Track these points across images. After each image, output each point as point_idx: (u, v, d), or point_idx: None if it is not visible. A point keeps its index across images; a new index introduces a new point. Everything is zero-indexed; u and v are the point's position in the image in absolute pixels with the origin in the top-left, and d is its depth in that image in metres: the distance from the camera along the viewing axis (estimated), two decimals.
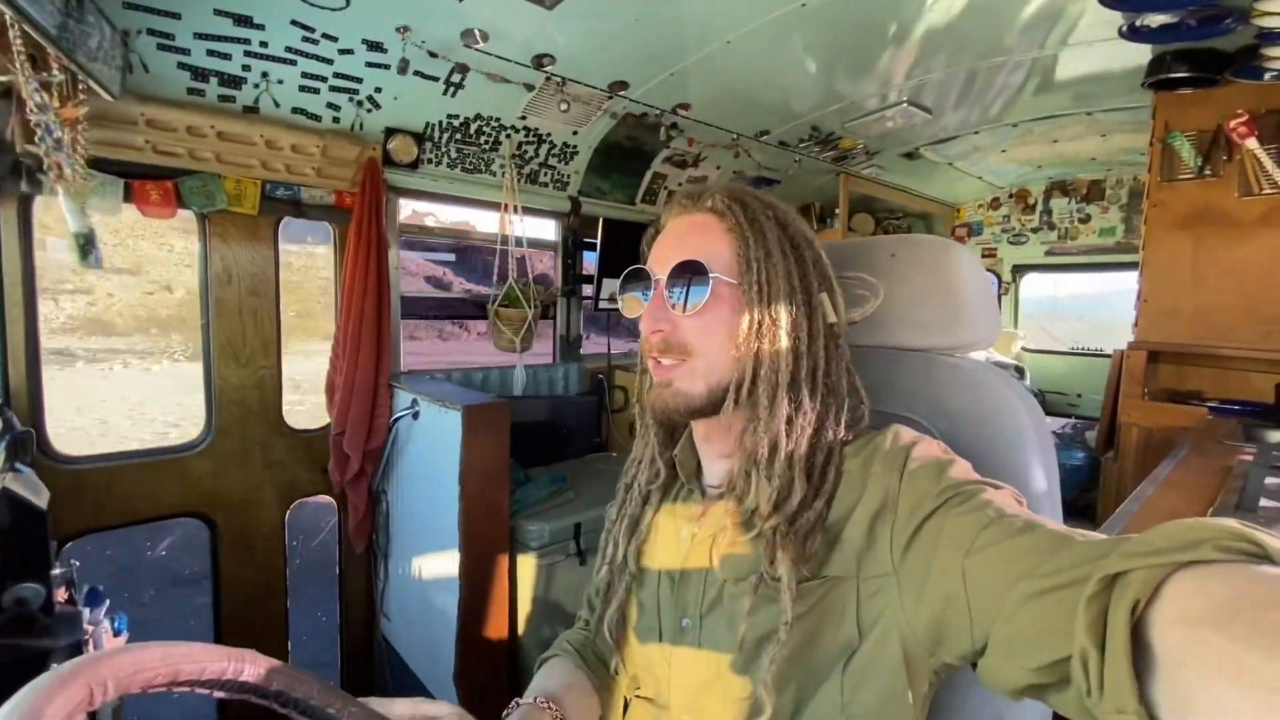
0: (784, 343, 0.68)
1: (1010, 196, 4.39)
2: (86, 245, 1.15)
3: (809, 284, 0.71)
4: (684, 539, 0.75)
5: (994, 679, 0.50)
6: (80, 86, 1.07)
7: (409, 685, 2.10)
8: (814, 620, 0.63)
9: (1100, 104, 2.69)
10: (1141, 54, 2.10)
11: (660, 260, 0.72)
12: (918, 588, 0.57)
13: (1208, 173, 2.15)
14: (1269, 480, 1.00)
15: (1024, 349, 4.46)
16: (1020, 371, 4.11)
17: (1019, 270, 4.48)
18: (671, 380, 0.71)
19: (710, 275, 0.68)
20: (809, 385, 0.68)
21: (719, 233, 0.71)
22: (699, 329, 0.70)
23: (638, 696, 0.81)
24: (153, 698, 0.51)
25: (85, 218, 1.12)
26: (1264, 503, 0.95)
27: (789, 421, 0.66)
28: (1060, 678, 0.42)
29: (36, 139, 0.97)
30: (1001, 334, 4.42)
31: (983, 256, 4.56)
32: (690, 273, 0.69)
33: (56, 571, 1.43)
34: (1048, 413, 4.34)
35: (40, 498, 1.41)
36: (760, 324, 0.68)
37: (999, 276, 4.56)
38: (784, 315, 0.69)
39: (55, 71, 0.98)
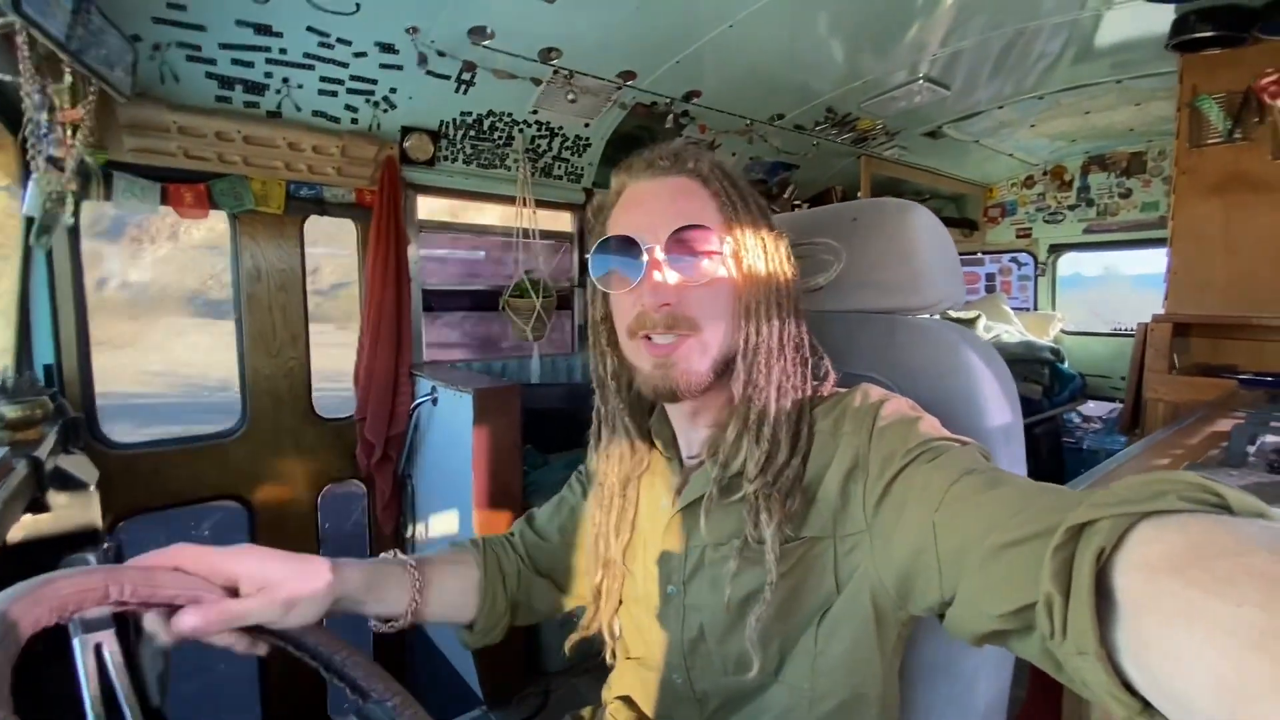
0: (772, 309, 0.68)
1: (1045, 174, 4.24)
2: (41, 231, 1.25)
3: (778, 249, 0.71)
4: (664, 508, 0.76)
5: (959, 627, 0.51)
6: (91, 89, 1.17)
7: (436, 663, 2.19)
8: (795, 579, 0.65)
9: (1129, 71, 2.58)
10: (1166, 15, 2.02)
11: (648, 227, 0.67)
12: (888, 543, 0.59)
13: (1238, 136, 2.04)
14: (1265, 438, 0.96)
15: (1062, 331, 4.30)
16: (1056, 354, 3.96)
17: (1056, 250, 4.32)
18: (675, 360, 0.67)
19: (723, 239, 0.67)
20: (789, 347, 0.68)
21: (705, 197, 0.69)
22: (704, 300, 0.67)
23: (627, 659, 0.85)
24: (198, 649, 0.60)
25: (48, 207, 1.21)
26: (1252, 458, 0.92)
27: (779, 386, 0.67)
28: (1024, 624, 0.43)
29: (27, 132, 1.06)
30: (1037, 316, 4.28)
31: (1017, 237, 4.42)
32: (693, 239, 0.66)
33: (108, 546, 1.56)
34: (1089, 397, 4.18)
35: (89, 478, 1.54)
36: (753, 291, 0.68)
37: (1034, 257, 4.41)
38: (769, 281, 0.68)
39: (66, 75, 1.08)
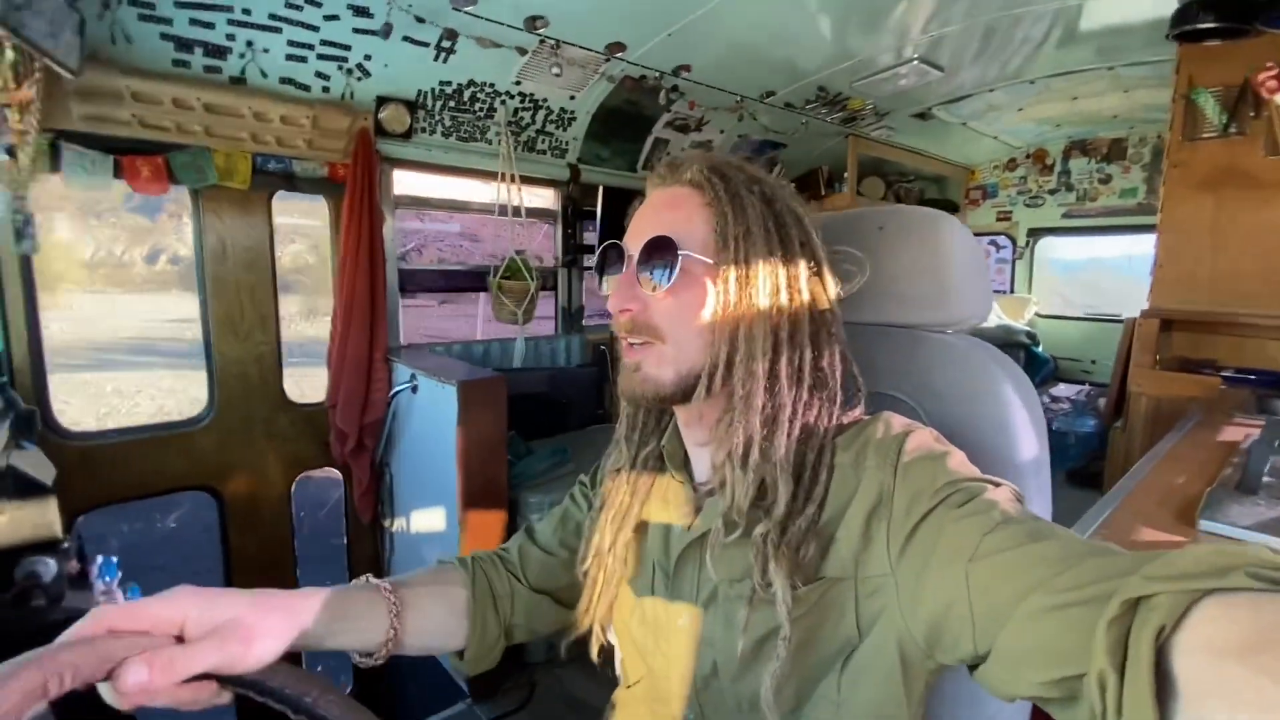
0: (762, 329, 0.63)
1: (1027, 157, 4.25)
2: (19, 231, 1.14)
3: (794, 266, 0.66)
4: (676, 534, 0.72)
5: (995, 686, 0.49)
6: (36, 65, 1.04)
7: (417, 656, 2.15)
8: (812, 622, 0.61)
9: (1123, 58, 2.56)
10: (1167, 3, 1.99)
11: (634, 236, 0.68)
12: (915, 589, 0.55)
13: (1233, 130, 2.04)
14: (1275, 458, 0.96)
15: (1037, 315, 4.37)
16: (1031, 338, 4.03)
17: (1035, 234, 4.36)
18: (640, 364, 0.67)
19: (680, 253, 0.64)
20: (791, 377, 0.63)
21: (696, 207, 0.66)
22: (669, 311, 0.66)
23: (628, 688, 0.81)
24: None
25: (18, 201, 1.10)
26: (1267, 479, 0.91)
27: (764, 414, 0.62)
28: (1067, 694, 0.41)
29: None
30: (1013, 300, 4.34)
31: (997, 220, 4.45)
32: (660, 250, 0.65)
33: (66, 545, 1.47)
34: (1060, 379, 4.27)
35: (45, 474, 1.44)
36: (737, 308, 0.63)
37: (1013, 240, 4.44)
38: (764, 299, 0.64)
39: (7, 51, 0.95)
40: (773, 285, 0.64)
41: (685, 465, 0.75)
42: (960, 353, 0.78)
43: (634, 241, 0.68)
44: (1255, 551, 0.35)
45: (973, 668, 0.51)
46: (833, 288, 0.69)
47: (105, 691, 0.47)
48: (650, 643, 0.75)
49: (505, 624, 0.79)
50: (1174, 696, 0.33)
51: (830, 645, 0.62)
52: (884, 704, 0.61)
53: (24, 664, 0.40)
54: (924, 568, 0.54)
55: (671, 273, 0.64)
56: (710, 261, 0.65)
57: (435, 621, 0.74)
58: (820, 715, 0.63)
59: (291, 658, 0.55)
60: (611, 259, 0.71)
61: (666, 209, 0.68)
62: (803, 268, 0.66)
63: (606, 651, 0.80)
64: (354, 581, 0.70)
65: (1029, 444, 0.73)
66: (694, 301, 0.65)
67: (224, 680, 0.50)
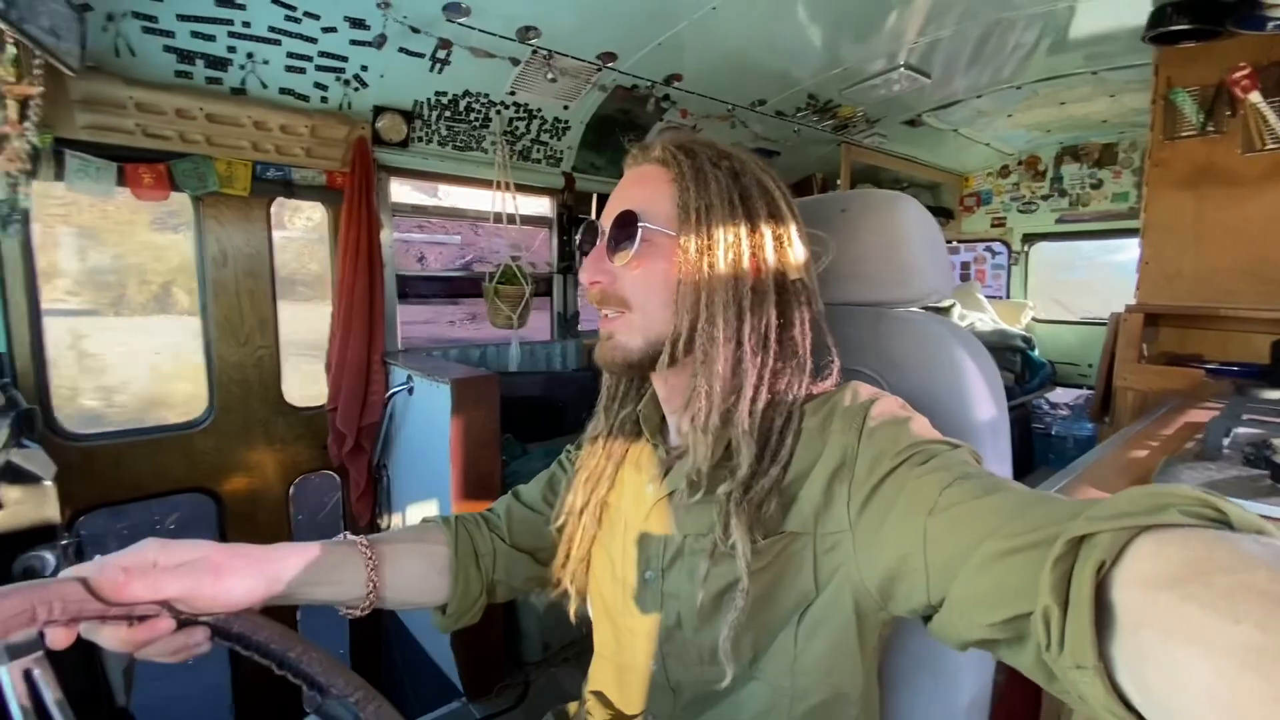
0: (724, 297, 0.66)
1: (1020, 164, 4.29)
2: (6, 220, 1.18)
3: (759, 237, 0.68)
4: (648, 494, 0.75)
5: (947, 633, 0.51)
6: (37, 63, 1.09)
7: (412, 654, 2.16)
8: (771, 576, 0.63)
9: (1105, 63, 2.61)
10: (1142, 7, 2.03)
11: (606, 213, 0.73)
12: (872, 544, 0.57)
13: (1210, 129, 2.08)
14: (1238, 430, 0.98)
15: (1034, 319, 4.39)
16: (1028, 342, 4.04)
17: (1029, 239, 4.39)
18: (612, 333, 0.72)
19: (641, 225, 0.67)
20: (757, 344, 0.66)
21: (662, 183, 0.70)
22: (634, 281, 0.70)
23: (601, 653, 0.83)
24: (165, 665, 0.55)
25: (12, 190, 1.14)
26: (1227, 451, 0.93)
27: (727, 380, 0.65)
28: (1015, 634, 0.43)
29: None
30: (1010, 304, 4.36)
31: (991, 226, 4.48)
32: (626, 224, 0.69)
33: (66, 542, 1.49)
34: (1058, 384, 4.28)
35: (45, 471, 1.47)
36: (699, 278, 0.66)
37: (1008, 246, 4.47)
38: (726, 269, 0.66)
39: (9, 47, 1.00)
40: (735, 256, 0.67)
41: (661, 430, 0.79)
42: (918, 326, 0.81)
43: (605, 218, 0.72)
44: (1186, 490, 0.37)
45: (927, 620, 0.53)
46: (804, 258, 0.71)
47: (91, 634, 0.50)
48: (620, 600, 0.77)
49: (488, 581, 0.82)
50: (1112, 626, 0.35)
51: (788, 598, 0.64)
52: (839, 656, 0.64)
53: (12, 591, 0.42)
54: (882, 523, 0.56)
55: (633, 244, 0.68)
56: (673, 234, 0.68)
57: (414, 577, 0.77)
58: (777, 666, 0.66)
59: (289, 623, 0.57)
60: (589, 238, 0.75)
61: (635, 186, 0.73)
62: (769, 238, 0.69)
63: (581, 612, 0.83)
64: (334, 538, 0.72)
65: (986, 408, 0.75)
66: (658, 272, 0.68)
67: (215, 632, 0.53)
